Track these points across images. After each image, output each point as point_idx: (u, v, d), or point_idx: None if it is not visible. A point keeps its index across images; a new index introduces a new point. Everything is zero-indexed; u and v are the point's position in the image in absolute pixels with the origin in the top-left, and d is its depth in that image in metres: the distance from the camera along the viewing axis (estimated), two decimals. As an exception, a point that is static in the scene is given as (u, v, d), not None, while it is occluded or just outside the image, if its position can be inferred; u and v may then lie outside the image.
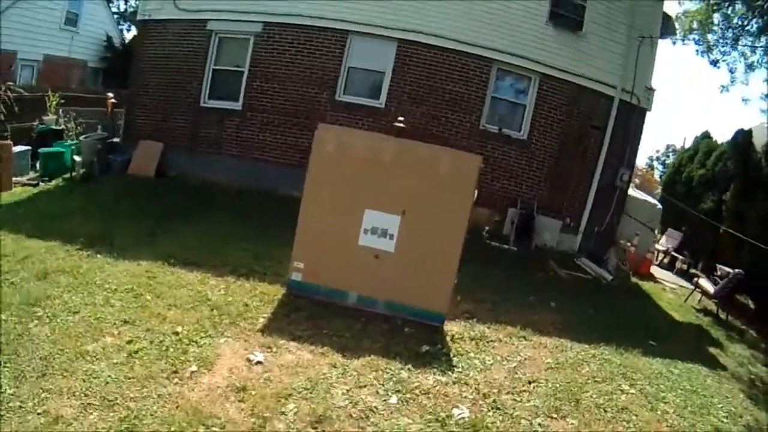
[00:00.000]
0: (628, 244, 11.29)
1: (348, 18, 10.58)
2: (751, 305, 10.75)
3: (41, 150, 10.86)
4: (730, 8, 11.30)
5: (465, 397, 4.54)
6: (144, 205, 9.03)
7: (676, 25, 12.00)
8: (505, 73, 10.91)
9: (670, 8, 12.43)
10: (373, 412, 4.16)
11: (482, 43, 10.56)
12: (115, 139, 11.93)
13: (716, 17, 11.61)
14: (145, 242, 7.16)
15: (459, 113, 10.72)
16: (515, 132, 10.96)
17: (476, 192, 5.80)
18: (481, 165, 5.74)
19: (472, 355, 5.30)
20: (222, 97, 11.29)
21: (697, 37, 12.02)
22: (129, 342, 4.67)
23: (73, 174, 10.59)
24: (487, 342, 5.62)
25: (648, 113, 11.30)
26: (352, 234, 5.70)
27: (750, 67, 11.63)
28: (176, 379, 4.24)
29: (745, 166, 11.53)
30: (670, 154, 34.06)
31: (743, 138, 12.06)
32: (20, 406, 3.72)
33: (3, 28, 14.96)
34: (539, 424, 4.30)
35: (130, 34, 25.27)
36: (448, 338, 5.54)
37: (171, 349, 4.63)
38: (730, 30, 11.45)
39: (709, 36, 11.81)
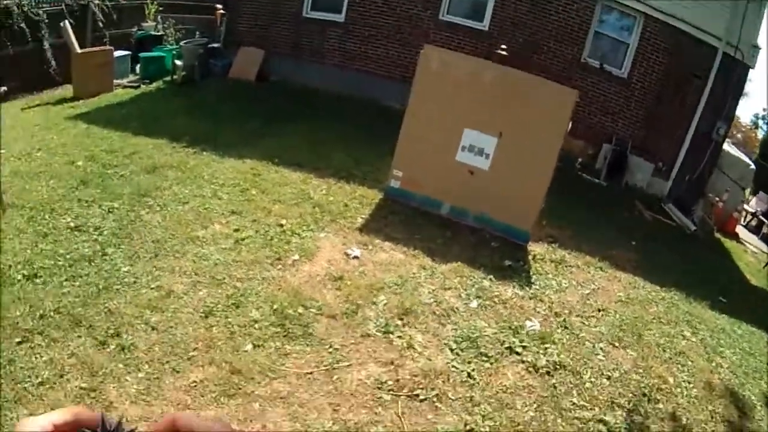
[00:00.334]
0: (717, 198, 10.95)
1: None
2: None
3: (142, 54, 11.14)
4: None
5: (538, 312, 4.81)
6: (246, 108, 9.34)
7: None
8: (609, 9, 10.46)
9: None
10: (454, 312, 4.51)
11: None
12: (215, 45, 12.18)
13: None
14: (250, 142, 7.49)
15: (561, 44, 10.46)
16: (616, 69, 10.62)
17: (571, 124, 5.89)
18: (577, 99, 5.80)
19: (550, 276, 5.55)
20: (325, 8, 11.41)
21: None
22: (236, 230, 5.09)
23: (174, 77, 10.94)
24: (566, 266, 5.84)
25: (752, 71, 10.61)
26: (450, 149, 5.98)
27: None
28: (279, 266, 4.66)
29: None
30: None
31: None
32: (134, 282, 4.16)
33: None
34: (601, 349, 4.49)
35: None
36: (530, 257, 5.81)
37: (275, 239, 5.04)
38: None
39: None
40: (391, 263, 5.07)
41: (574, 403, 3.77)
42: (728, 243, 10.29)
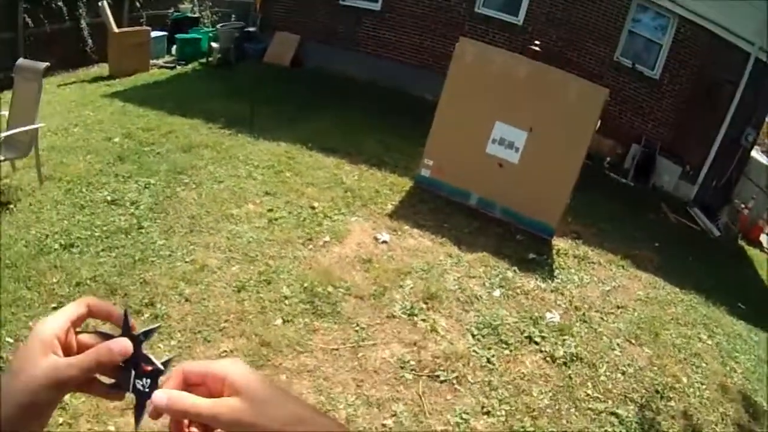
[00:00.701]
0: (743, 205, 10.84)
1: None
2: None
3: (178, 36, 11.17)
4: None
5: (558, 305, 4.89)
6: (280, 92, 9.49)
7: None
8: (644, 8, 10.35)
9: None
10: (478, 299, 4.63)
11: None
12: (251, 29, 12.31)
13: None
14: (284, 126, 7.63)
15: (594, 41, 10.40)
16: (648, 70, 10.53)
17: (600, 122, 5.93)
18: (608, 98, 5.81)
19: (572, 270, 5.62)
20: (359, -4, 11.49)
21: None
22: (269, 210, 5.25)
23: (209, 59, 11.07)
24: (588, 263, 5.90)
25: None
26: (480, 141, 6.08)
27: None
28: (311, 246, 4.82)
29: None
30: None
31: None
32: (170, 255, 4.30)
33: None
34: (618, 344, 4.55)
35: None
36: (553, 251, 5.89)
37: (307, 221, 5.21)
38: None
39: None
40: (419, 249, 5.21)
41: (588, 395, 3.87)
42: (752, 251, 10.12)
